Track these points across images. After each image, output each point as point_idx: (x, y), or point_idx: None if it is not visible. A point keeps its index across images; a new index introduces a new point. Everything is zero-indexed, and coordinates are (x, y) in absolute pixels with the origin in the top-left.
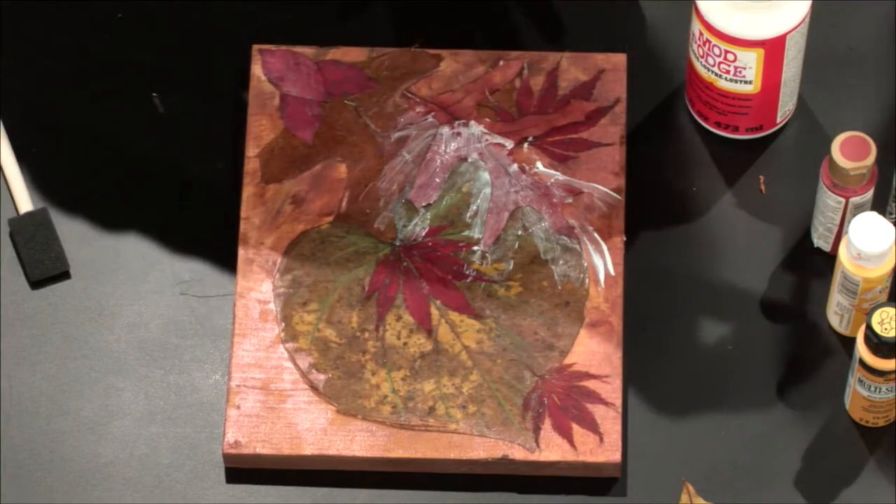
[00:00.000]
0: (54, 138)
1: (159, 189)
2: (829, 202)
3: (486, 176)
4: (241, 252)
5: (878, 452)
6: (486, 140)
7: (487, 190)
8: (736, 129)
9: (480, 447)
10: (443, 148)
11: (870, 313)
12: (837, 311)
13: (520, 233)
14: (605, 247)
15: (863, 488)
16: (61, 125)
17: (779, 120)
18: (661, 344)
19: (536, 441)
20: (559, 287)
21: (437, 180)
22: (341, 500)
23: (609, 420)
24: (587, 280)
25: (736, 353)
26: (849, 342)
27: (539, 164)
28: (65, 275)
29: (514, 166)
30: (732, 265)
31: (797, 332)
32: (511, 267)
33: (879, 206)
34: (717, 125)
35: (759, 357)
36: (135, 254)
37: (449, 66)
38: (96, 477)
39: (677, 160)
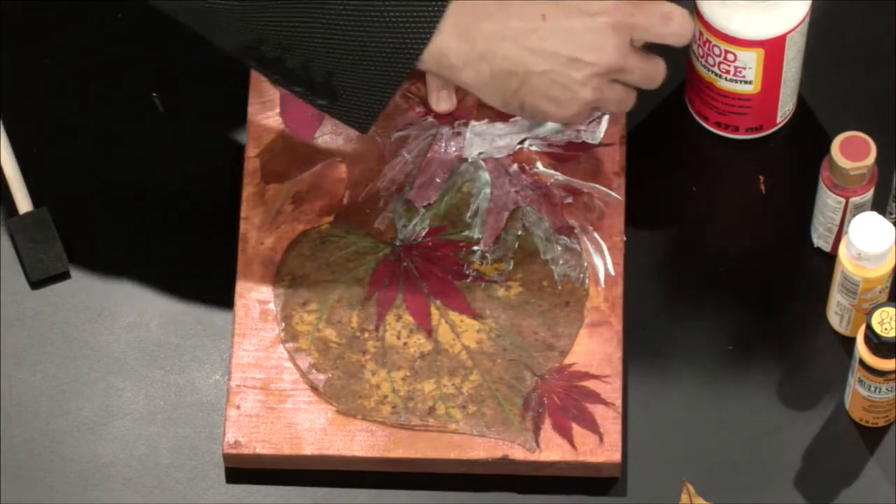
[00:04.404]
0: (54, 138)
1: (159, 189)
2: (829, 202)
3: (486, 176)
4: (241, 252)
5: (878, 452)
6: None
7: (487, 190)
8: (736, 129)
9: (480, 447)
10: (443, 148)
11: (870, 313)
12: (837, 311)
13: (520, 233)
14: (605, 247)
15: (863, 488)
16: (61, 125)
17: (779, 120)
18: (661, 344)
19: (536, 441)
20: (559, 287)
21: (437, 180)
22: (341, 500)
23: (609, 420)
24: (587, 280)
25: (736, 353)
26: (849, 342)
27: (539, 164)
28: (65, 275)
29: (514, 166)
30: (732, 265)
31: (797, 332)
32: (511, 267)
33: (879, 206)
34: (717, 125)
35: (759, 357)
36: (135, 254)
37: None
38: (96, 477)
39: (677, 160)
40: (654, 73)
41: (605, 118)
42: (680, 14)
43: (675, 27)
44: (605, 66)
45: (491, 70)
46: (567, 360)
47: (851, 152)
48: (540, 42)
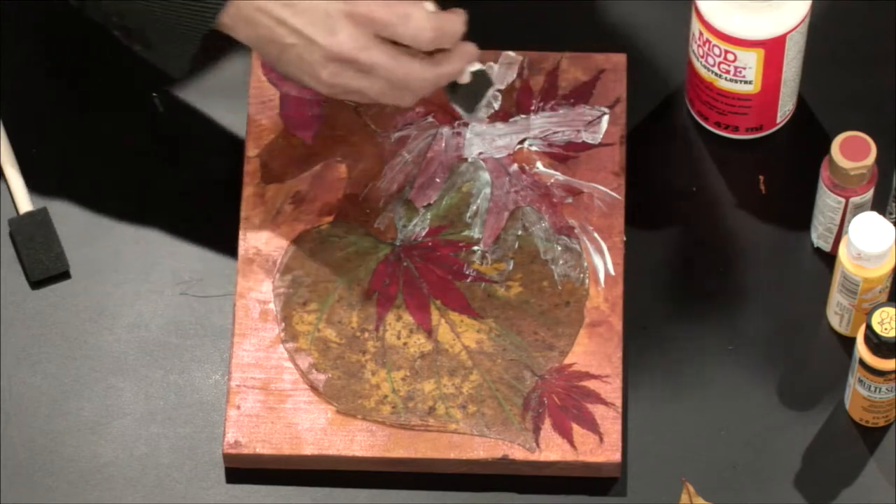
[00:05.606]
0: (54, 138)
1: (159, 189)
2: (829, 202)
3: (486, 176)
4: (241, 252)
5: (878, 452)
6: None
7: (487, 190)
8: (736, 129)
9: (480, 447)
10: (443, 148)
11: (870, 313)
12: (837, 311)
13: (520, 233)
14: (605, 247)
15: (863, 488)
16: (61, 125)
17: (779, 120)
18: (661, 344)
19: (536, 441)
20: (559, 287)
21: (437, 180)
22: (341, 500)
23: (609, 420)
24: (587, 280)
25: (736, 353)
26: (849, 342)
27: (539, 164)
28: (65, 275)
29: (514, 166)
30: (732, 265)
31: (797, 332)
32: (511, 267)
33: (879, 206)
34: (717, 125)
35: (759, 357)
36: (135, 254)
37: None
38: (96, 477)
39: (677, 160)
40: (401, 77)
41: (605, 118)
42: (420, 17)
43: (411, 29)
44: (336, 53)
45: (256, 35)
46: (567, 360)
47: (851, 152)
48: (290, 16)
